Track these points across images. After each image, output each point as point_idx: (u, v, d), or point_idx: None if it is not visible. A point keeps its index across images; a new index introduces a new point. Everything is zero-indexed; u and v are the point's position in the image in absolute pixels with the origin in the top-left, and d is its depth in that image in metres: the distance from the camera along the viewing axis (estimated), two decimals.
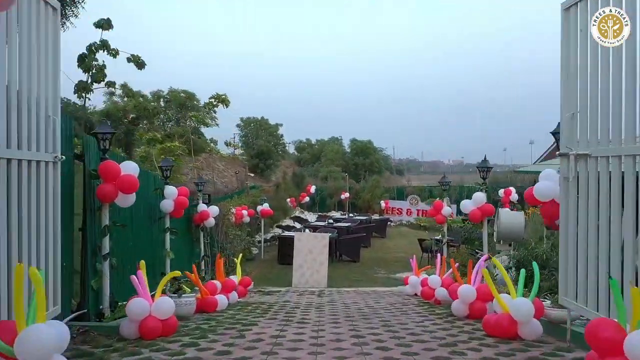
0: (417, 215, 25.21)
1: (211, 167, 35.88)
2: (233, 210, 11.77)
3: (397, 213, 25.58)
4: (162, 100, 27.66)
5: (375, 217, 24.36)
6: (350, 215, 20.96)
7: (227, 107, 26.09)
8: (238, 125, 51.14)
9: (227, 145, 24.59)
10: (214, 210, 9.39)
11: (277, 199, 19.45)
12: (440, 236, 13.97)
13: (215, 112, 28.68)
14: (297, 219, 21.51)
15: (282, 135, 51.70)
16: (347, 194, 24.99)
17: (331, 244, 13.83)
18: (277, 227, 19.84)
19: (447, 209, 11.19)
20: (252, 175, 35.97)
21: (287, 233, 15.63)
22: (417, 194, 25.96)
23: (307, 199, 22.99)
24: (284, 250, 14.15)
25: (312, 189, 24.10)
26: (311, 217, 23.18)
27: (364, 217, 20.68)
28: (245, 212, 13.27)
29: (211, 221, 9.34)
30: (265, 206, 15.09)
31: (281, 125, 51.81)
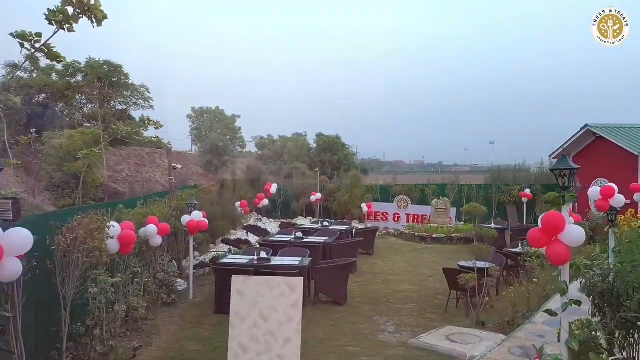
0: (408, 221, 19.85)
1: (156, 164, 29.74)
2: (111, 226, 5.99)
3: (383, 219, 20.15)
4: (79, 74, 21.38)
5: (357, 224, 18.85)
6: (325, 223, 15.33)
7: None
8: (189, 116, 44.96)
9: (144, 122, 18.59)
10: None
11: (222, 202, 13.67)
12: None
13: (149, 92, 22.65)
14: (253, 229, 15.75)
15: (239, 129, 45.93)
16: (318, 195, 19.34)
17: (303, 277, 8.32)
18: (224, 241, 14.05)
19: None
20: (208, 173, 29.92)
21: (231, 258, 9.86)
22: (405, 193, 20.61)
23: (265, 202, 17.19)
24: (225, 288, 8.51)
25: (273, 188, 18.35)
26: (271, 225, 17.42)
27: (344, 227, 15.12)
28: (148, 229, 7.51)
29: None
30: (196, 216, 9.29)
31: (239, 117, 45.97)
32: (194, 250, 11.38)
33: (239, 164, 34.04)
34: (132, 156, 27.56)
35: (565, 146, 18.92)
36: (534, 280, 8.93)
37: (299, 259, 9.54)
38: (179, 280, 10.13)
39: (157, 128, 17.51)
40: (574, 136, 18.30)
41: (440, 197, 18.81)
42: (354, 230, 15.39)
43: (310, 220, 18.58)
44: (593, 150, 18.05)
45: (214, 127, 43.50)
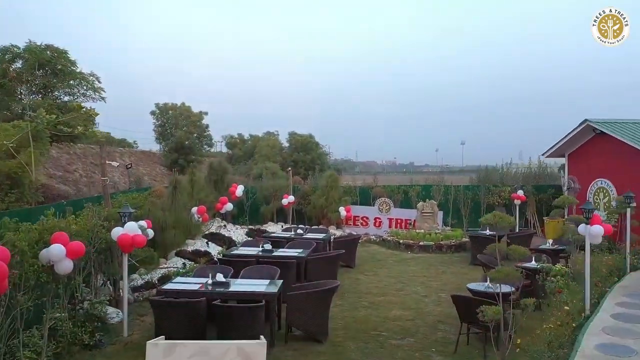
0: (390, 227, 17.93)
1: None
2: None
3: (363, 224, 18.18)
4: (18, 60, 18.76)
5: (334, 230, 16.81)
6: (299, 231, 13.23)
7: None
8: (152, 113, 42.21)
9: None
10: None
11: (175, 208, 11.43)
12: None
13: (99, 81, 20.13)
14: (215, 238, 13.55)
15: (207, 126, 43.33)
16: (291, 198, 17.25)
17: (268, 310, 6.38)
18: (180, 254, 11.81)
19: None
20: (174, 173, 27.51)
21: (177, 283, 7.66)
22: (387, 195, 18.69)
23: (228, 206, 14.93)
24: (168, 325, 6.48)
25: (239, 190, 16.15)
26: (237, 233, 15.24)
27: (321, 235, 13.07)
28: (52, 250, 5.33)
29: None
30: (130, 228, 7.08)
31: (206, 114, 43.38)
32: (136, 268, 9.16)
33: (207, 163, 31.68)
34: (89, 154, 24.92)
35: (561, 144, 17.32)
36: (566, 307, 7.04)
37: (266, 282, 7.44)
38: (111, 310, 7.89)
39: (91, 117, 15.10)
40: (571, 132, 16.67)
41: (427, 200, 16.94)
42: (332, 239, 13.36)
43: (282, 227, 16.46)
44: (592, 148, 16.48)
45: (179, 125, 40.77)
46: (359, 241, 14.31)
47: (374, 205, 18.31)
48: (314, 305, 7.03)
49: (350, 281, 11.18)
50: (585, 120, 16.02)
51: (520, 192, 16.91)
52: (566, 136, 16.95)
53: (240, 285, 7.31)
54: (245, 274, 8.16)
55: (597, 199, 16.09)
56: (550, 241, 11.47)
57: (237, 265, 8.71)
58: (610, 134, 15.24)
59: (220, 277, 7.36)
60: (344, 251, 10.40)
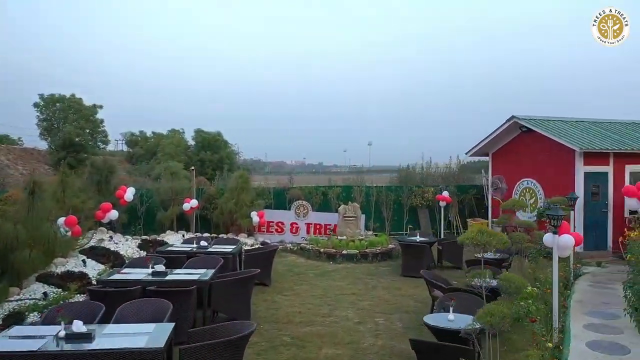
0: (308, 232, 16.08)
1: None
2: None
3: (278, 230, 16.16)
4: None
5: (245, 238, 14.59)
6: (202, 242, 10.92)
7: None
8: (36, 105, 37.21)
9: None
10: None
11: (33, 219, 8.60)
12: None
13: None
14: (94, 254, 10.86)
15: (102, 122, 39.07)
16: (194, 202, 14.83)
17: None
18: (43, 279, 9.03)
19: None
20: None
21: (5, 341, 5.13)
22: (304, 198, 16.84)
23: (112, 214, 12.16)
24: None
25: (129, 193, 13.42)
26: (127, 245, 12.57)
27: (230, 247, 10.86)
28: None
29: None
30: None
31: (100, 107, 39.06)
32: None
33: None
34: None
35: (486, 141, 16.48)
36: (549, 344, 5.49)
37: (149, 331, 5.17)
38: None
39: None
40: (498, 129, 15.86)
41: (349, 202, 15.30)
42: (243, 252, 11.20)
43: (183, 236, 13.99)
44: (518, 146, 15.76)
45: (68, 119, 36.14)
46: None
47: (290, 209, 16.37)
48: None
49: (267, 306, 9.10)
50: (512, 117, 15.23)
51: (445, 193, 15.80)
52: (492, 133, 16.13)
53: (110, 339, 4.97)
54: (123, 314, 5.83)
55: (523, 199, 15.35)
56: (493, 249, 10.14)
57: (112, 301, 6.33)
58: (537, 130, 14.53)
59: (79, 325, 4.98)
60: (258, 270, 8.34)
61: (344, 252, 13.48)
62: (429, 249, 12.19)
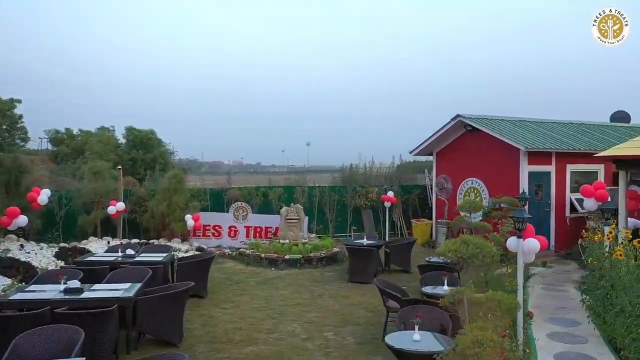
0: (248, 236, 15.09)
1: None
2: None
3: (215, 234, 15.05)
4: None
5: (179, 244, 13.38)
6: (129, 250, 9.72)
7: None
8: None
9: None
10: None
11: None
12: None
13: None
14: (1, 266, 9.39)
15: (21, 117, 35.91)
16: (120, 205, 13.47)
17: None
18: None
19: None
20: None
21: None
22: (244, 199, 15.84)
23: (21, 220, 10.62)
24: None
25: (43, 196, 11.88)
26: (43, 254, 11.09)
27: (160, 255, 9.72)
28: None
29: None
30: None
31: (19, 102, 35.85)
32: None
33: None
34: None
35: (430, 140, 16.17)
36: None
37: None
38: None
39: None
40: (443, 128, 15.57)
41: (291, 204, 14.47)
42: (176, 260, 10.09)
43: (109, 243, 12.62)
44: (463, 145, 15.54)
45: None
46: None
47: (228, 211, 15.30)
48: None
49: (203, 322, 8.10)
50: (457, 115, 14.98)
51: (390, 194, 15.31)
52: (437, 132, 15.82)
53: None
54: (18, 347, 4.69)
55: (468, 199, 15.13)
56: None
57: (14, 325, 5.18)
58: (482, 129, 14.34)
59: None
60: (193, 284, 7.34)
61: (287, 257, 12.64)
62: (377, 253, 11.59)
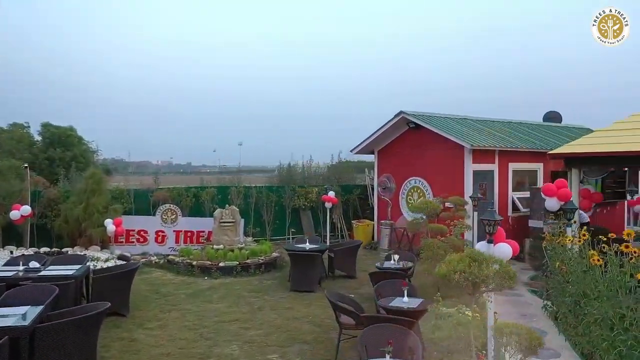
0: (178, 242, 13.75)
1: None
2: None
3: (140, 240, 13.58)
4: None
5: (98, 253, 11.81)
6: (33, 263, 8.23)
7: None
8: None
9: None
10: None
11: None
12: None
13: None
14: None
15: None
16: (26, 209, 11.75)
17: None
18: None
19: None
20: None
21: None
22: (173, 201, 14.47)
23: None
24: None
25: None
26: None
27: (72, 269, 8.30)
28: None
29: None
30: None
31: None
32: None
33: None
34: None
35: (372, 138, 15.55)
36: None
37: None
38: None
39: None
40: (385, 125, 14.97)
41: (226, 206, 13.30)
42: (92, 273, 8.69)
43: (12, 253, 10.89)
44: (405, 143, 15.03)
45: None
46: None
47: (155, 215, 13.87)
48: None
49: (122, 347, 6.84)
50: (401, 112, 14.43)
51: (331, 194, 14.51)
52: (379, 130, 15.21)
53: None
54: None
55: (411, 199, 14.67)
56: (396, 257, 8.94)
57: None
58: (426, 126, 13.88)
59: None
60: (108, 305, 6.09)
61: (222, 264, 11.49)
62: (321, 258, 10.72)
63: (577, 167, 8.61)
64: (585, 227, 7.43)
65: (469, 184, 12.96)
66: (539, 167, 14.47)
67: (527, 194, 13.58)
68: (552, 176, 14.60)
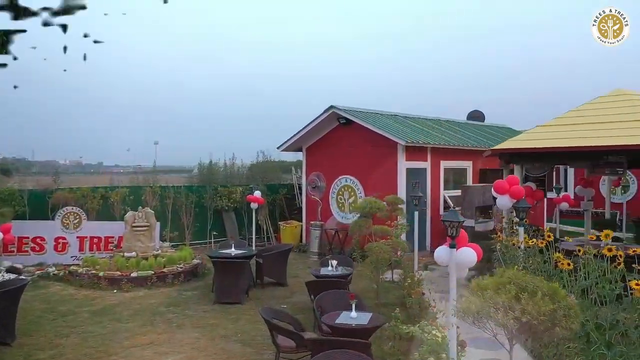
0: (83, 249, 12.06)
1: None
2: None
3: (36, 249, 11.72)
4: None
5: None
6: None
7: None
8: None
9: None
10: None
11: None
12: None
13: None
14: None
15: None
16: None
17: None
18: None
19: None
20: None
21: None
22: (76, 203, 12.71)
23: None
24: None
25: None
26: None
27: None
28: None
29: None
30: None
31: None
32: None
33: None
34: None
35: (301, 134, 14.68)
36: None
37: None
38: None
39: None
40: (315, 120, 14.15)
41: (139, 208, 11.83)
42: None
43: None
44: (336, 140, 14.30)
45: None
46: (28, 280, 8.24)
47: (54, 219, 12.07)
48: None
49: None
50: (331, 106, 13.69)
51: (257, 193, 13.43)
52: (308, 125, 14.38)
53: None
54: None
55: (341, 199, 13.98)
56: (334, 262, 8.11)
57: None
58: (358, 122, 13.25)
59: None
60: None
61: (134, 274, 10.08)
62: (249, 265, 9.66)
63: (520, 164, 8.26)
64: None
65: (403, 183, 12.48)
66: (469, 165, 14.35)
67: (458, 193, 13.34)
68: (481, 174, 14.57)
